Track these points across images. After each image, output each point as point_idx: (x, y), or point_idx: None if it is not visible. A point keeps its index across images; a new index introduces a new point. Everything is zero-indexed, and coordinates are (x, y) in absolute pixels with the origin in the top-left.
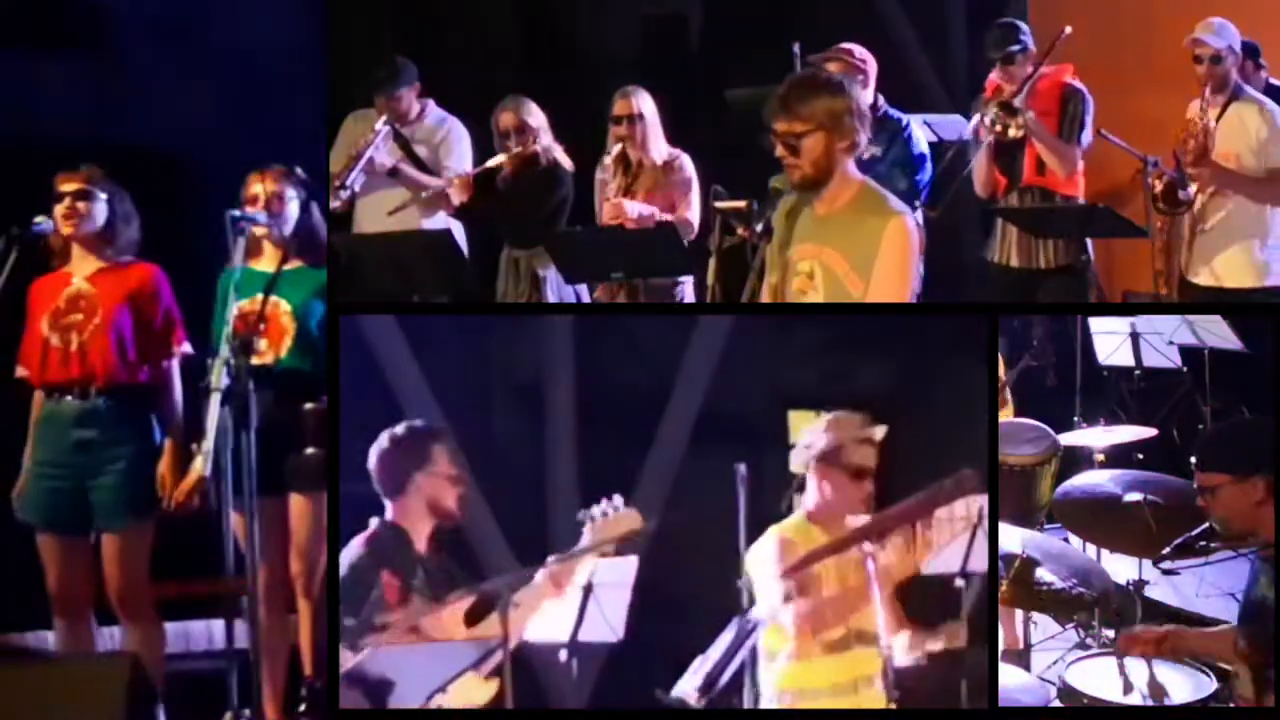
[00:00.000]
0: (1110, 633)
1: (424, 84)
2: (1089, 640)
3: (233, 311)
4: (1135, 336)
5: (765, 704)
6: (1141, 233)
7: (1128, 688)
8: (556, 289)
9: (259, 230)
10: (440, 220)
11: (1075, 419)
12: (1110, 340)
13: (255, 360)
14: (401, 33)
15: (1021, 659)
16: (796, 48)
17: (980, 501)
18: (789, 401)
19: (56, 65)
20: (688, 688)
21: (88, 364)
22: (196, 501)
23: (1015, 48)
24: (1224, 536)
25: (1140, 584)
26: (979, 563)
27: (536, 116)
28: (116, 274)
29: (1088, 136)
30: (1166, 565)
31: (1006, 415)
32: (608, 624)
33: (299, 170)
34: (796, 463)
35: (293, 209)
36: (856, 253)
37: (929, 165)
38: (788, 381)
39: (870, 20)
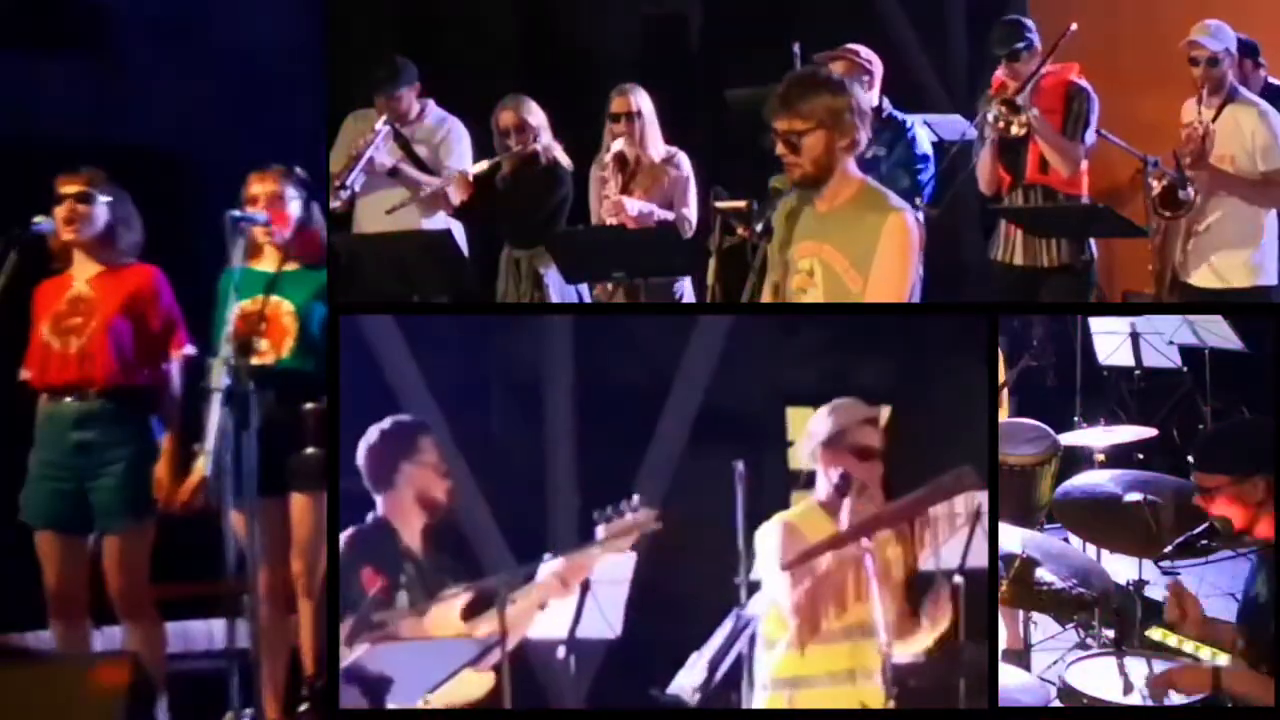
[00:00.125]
0: (1110, 632)
1: (424, 84)
2: (1089, 640)
3: (233, 312)
4: (1135, 336)
5: (762, 692)
6: (1141, 233)
7: (1128, 688)
8: (558, 289)
9: (259, 230)
10: (440, 220)
11: (1075, 419)
12: (1110, 340)
13: (255, 360)
14: (401, 33)
15: (1021, 659)
16: (796, 48)
17: (979, 497)
18: (788, 399)
19: (56, 65)
20: (685, 683)
21: (86, 367)
22: (200, 502)
23: (1020, 45)
24: (1224, 536)
25: (1140, 584)
26: (978, 559)
27: (536, 116)
28: (116, 277)
29: (1091, 136)
30: (1166, 565)
31: (1004, 415)
32: (606, 621)
33: (299, 170)
34: (803, 455)
35: (293, 209)
36: (856, 249)
37: (931, 165)
38: (787, 380)
39: (870, 20)
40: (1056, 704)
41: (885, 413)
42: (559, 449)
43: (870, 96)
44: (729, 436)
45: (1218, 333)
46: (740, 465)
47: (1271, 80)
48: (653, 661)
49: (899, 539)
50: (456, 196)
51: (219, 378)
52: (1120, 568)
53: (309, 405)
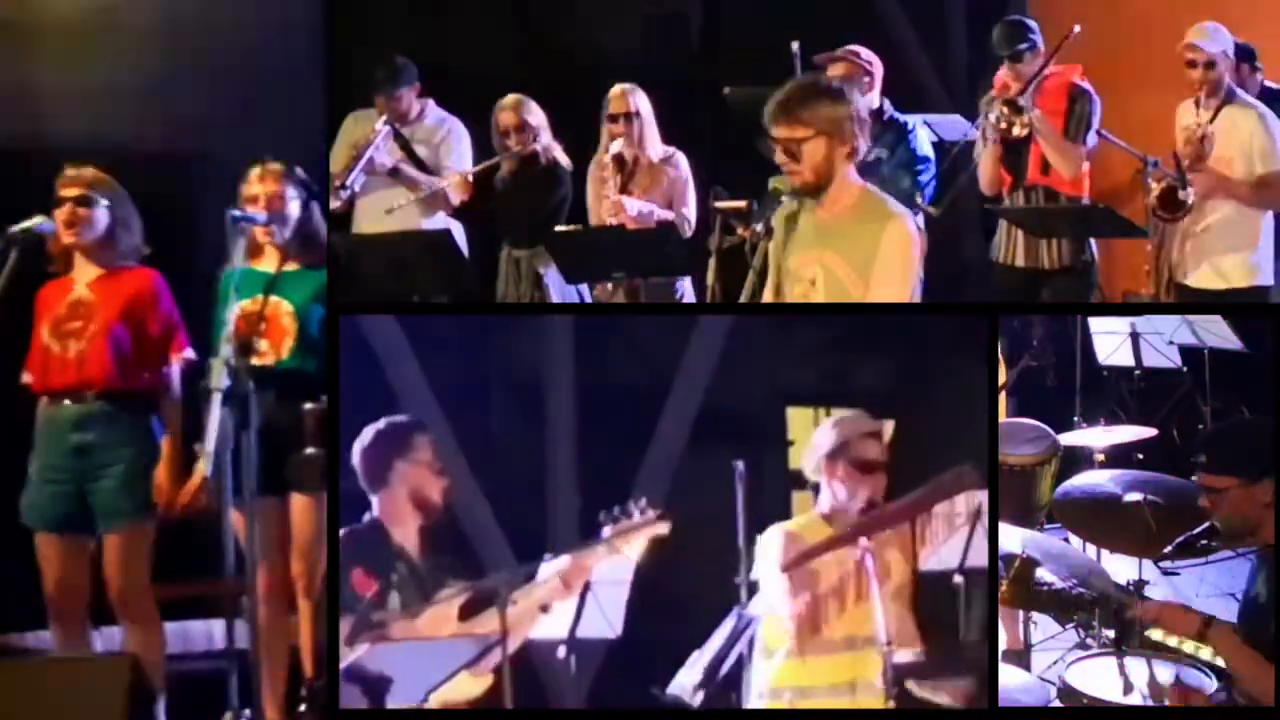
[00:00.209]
0: (1110, 632)
1: (424, 84)
2: (1089, 640)
3: (233, 312)
4: (1135, 336)
5: (763, 701)
6: (1142, 233)
7: (1128, 688)
8: (558, 289)
9: (259, 230)
10: (440, 220)
11: (1075, 419)
12: (1110, 340)
13: (255, 361)
14: (401, 33)
15: (1021, 659)
16: (796, 47)
17: (979, 497)
18: (788, 399)
19: (57, 64)
20: (685, 682)
21: (85, 370)
22: (200, 504)
23: (1023, 46)
24: (1225, 537)
25: (1140, 584)
26: (978, 558)
27: (536, 116)
28: (116, 280)
29: (1093, 137)
30: (1166, 565)
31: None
32: (606, 620)
33: (299, 170)
34: (807, 467)
35: (293, 209)
36: (858, 256)
37: (932, 166)
38: (787, 380)
39: (870, 20)
40: (1056, 704)
41: (889, 427)
42: (559, 448)
43: (870, 99)
44: (729, 436)
45: (1217, 333)
46: (740, 465)
47: (1268, 84)
48: (653, 661)
49: (899, 538)
50: (456, 196)
51: (219, 378)
52: (1120, 568)
53: (309, 405)
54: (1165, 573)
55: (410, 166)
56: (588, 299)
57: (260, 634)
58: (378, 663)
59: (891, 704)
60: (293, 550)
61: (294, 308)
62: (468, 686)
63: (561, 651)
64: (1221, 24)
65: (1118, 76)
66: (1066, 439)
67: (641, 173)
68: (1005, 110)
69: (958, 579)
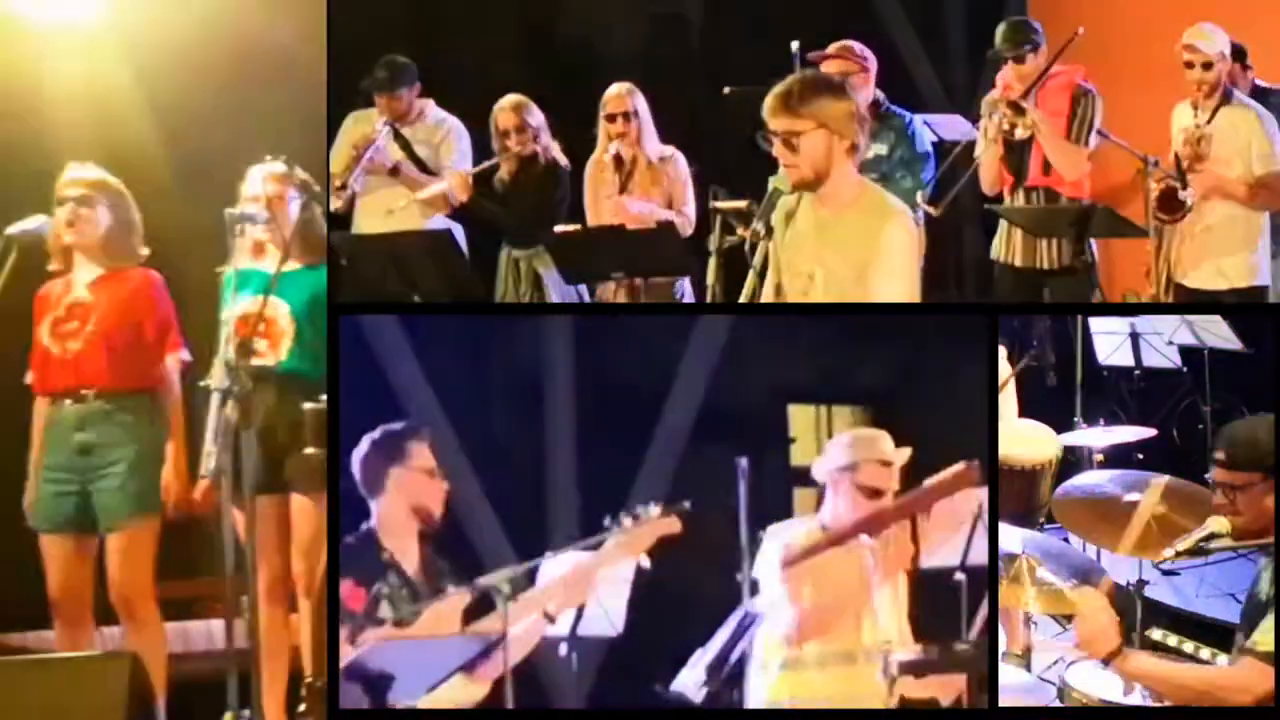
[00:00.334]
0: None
1: (424, 84)
2: None
3: (233, 312)
4: (1135, 336)
5: (764, 695)
6: (1142, 233)
7: (1128, 688)
8: (558, 289)
9: (259, 230)
10: (440, 220)
11: (1075, 419)
12: (1110, 340)
13: (255, 360)
14: (401, 33)
15: (1021, 659)
16: (796, 47)
17: (980, 495)
18: (789, 397)
19: (58, 63)
20: (688, 681)
21: (85, 370)
22: (209, 501)
23: (1026, 46)
24: (1232, 536)
25: (1140, 584)
26: (979, 556)
27: (536, 116)
28: (115, 281)
29: (1095, 138)
30: (1167, 565)
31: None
32: (608, 618)
33: (298, 170)
34: (817, 471)
35: (293, 209)
36: (857, 254)
37: (933, 162)
38: (789, 377)
39: (870, 20)
40: (1056, 704)
41: (904, 455)
42: (560, 448)
43: (867, 94)
44: (730, 434)
45: (1217, 333)
46: (743, 462)
47: (1259, 82)
48: (655, 659)
49: (900, 535)
50: (456, 197)
51: (219, 378)
52: (1120, 568)
53: (309, 405)
54: (1165, 573)
55: (410, 166)
56: (587, 299)
57: (261, 634)
58: (379, 661)
59: (892, 702)
60: (293, 550)
61: (294, 308)
62: (469, 692)
63: (563, 649)
64: (1216, 24)
65: (1117, 76)
66: (1066, 439)
67: (640, 172)
68: (1008, 112)
69: (959, 576)
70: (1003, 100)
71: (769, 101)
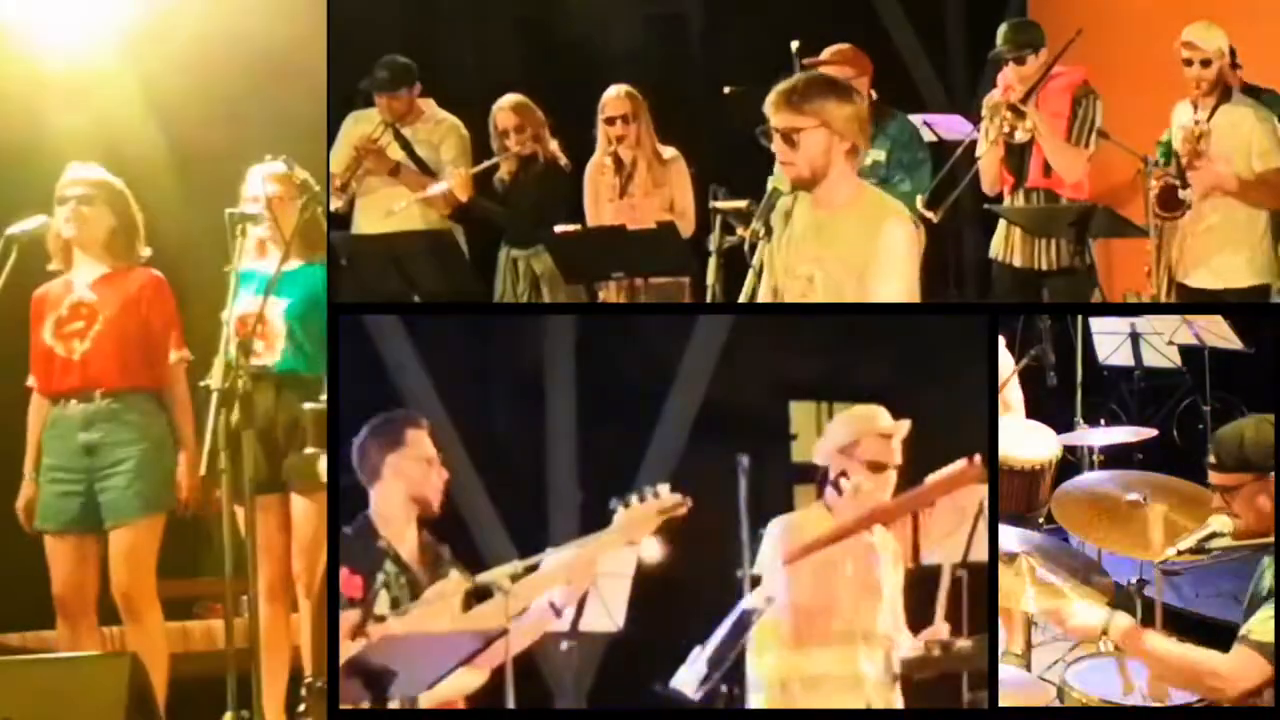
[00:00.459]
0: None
1: (424, 84)
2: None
3: (233, 311)
4: (1135, 336)
5: (764, 693)
6: (1142, 233)
7: (1128, 688)
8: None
9: (259, 230)
10: (440, 220)
11: (1075, 419)
12: (1110, 340)
13: (255, 360)
14: (401, 33)
15: (1021, 659)
16: (796, 47)
17: (980, 492)
18: (791, 394)
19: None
20: (687, 677)
21: (92, 370)
22: (208, 499)
23: (1028, 47)
24: (1234, 536)
25: (1140, 584)
26: (980, 553)
27: (536, 116)
28: (120, 281)
29: (1096, 139)
30: (1167, 565)
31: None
32: (608, 614)
33: (299, 170)
34: (817, 456)
35: (293, 208)
36: (856, 255)
37: (930, 165)
38: (790, 375)
39: (870, 20)
40: (1056, 704)
41: (904, 427)
42: (561, 444)
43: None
44: (731, 430)
45: (1217, 333)
46: (744, 459)
47: (1247, 83)
48: (655, 656)
49: (901, 532)
50: (456, 197)
51: (219, 377)
52: (1120, 568)
53: (308, 405)
54: (1166, 573)
55: (411, 166)
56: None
57: (261, 633)
58: (380, 657)
59: (893, 697)
60: (294, 549)
61: (293, 308)
62: (469, 679)
63: (563, 645)
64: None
65: (1117, 76)
66: (1066, 439)
67: (639, 174)
68: (1008, 115)
69: (960, 573)
70: (1003, 102)
71: (772, 96)
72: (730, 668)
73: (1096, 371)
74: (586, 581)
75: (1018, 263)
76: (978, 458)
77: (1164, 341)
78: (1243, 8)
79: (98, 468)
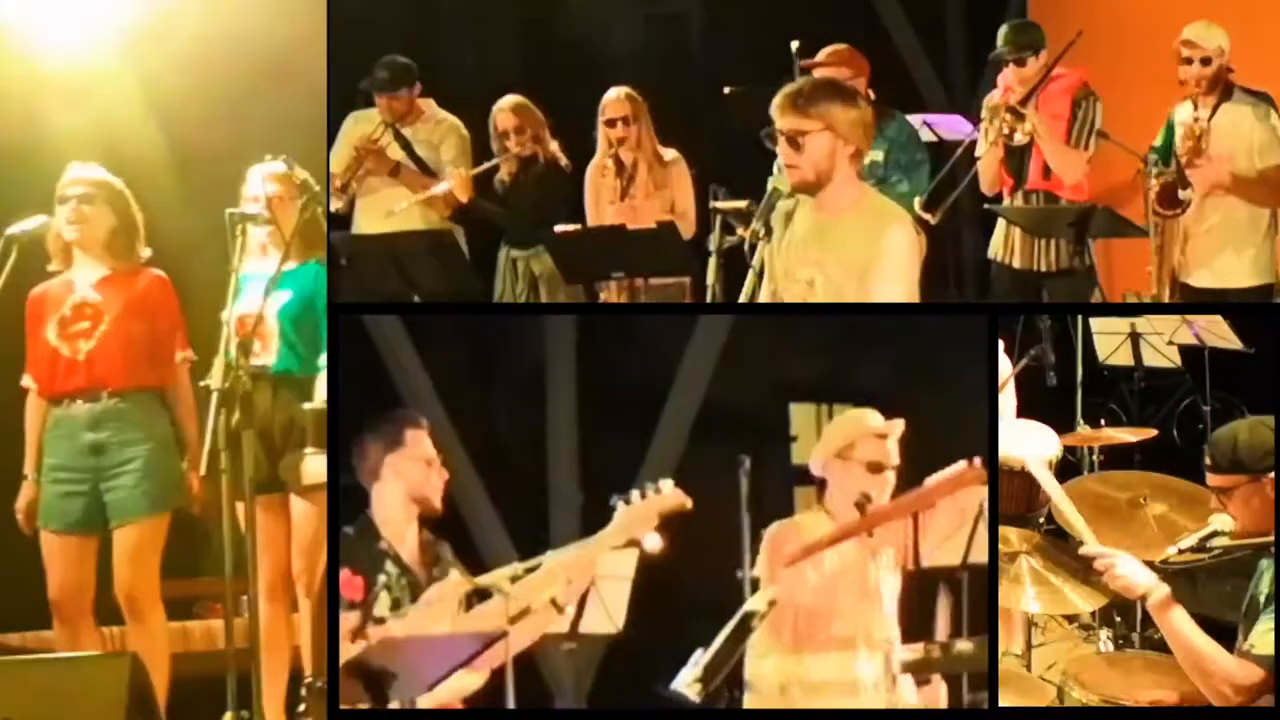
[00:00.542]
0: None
1: (424, 84)
2: (1089, 640)
3: (233, 311)
4: (1135, 336)
5: (764, 697)
6: (1142, 233)
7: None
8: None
9: (259, 230)
10: (440, 221)
11: (1075, 419)
12: (1110, 340)
13: (255, 360)
14: (401, 33)
15: (1022, 659)
16: (796, 48)
17: (980, 494)
18: (791, 395)
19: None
20: (687, 679)
21: (97, 370)
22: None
23: (1028, 49)
24: (1232, 536)
25: None
26: (980, 555)
27: (535, 117)
28: (124, 281)
29: (1096, 141)
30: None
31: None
32: (608, 615)
33: (299, 170)
34: (814, 462)
35: (293, 208)
36: (858, 260)
37: (928, 166)
38: (790, 376)
39: (870, 20)
40: (1056, 704)
41: (898, 427)
42: (561, 444)
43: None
44: (732, 432)
45: (1217, 333)
46: (746, 460)
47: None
48: (655, 658)
49: (901, 534)
50: (457, 197)
51: (219, 378)
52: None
53: (308, 405)
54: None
55: (411, 166)
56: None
57: (261, 633)
58: (380, 658)
59: (893, 700)
60: (294, 549)
61: (286, 308)
62: (469, 680)
63: (564, 646)
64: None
65: (1117, 76)
66: (1067, 439)
67: (640, 175)
68: (1007, 117)
69: (960, 575)
70: (1003, 105)
71: (778, 99)
72: (731, 670)
73: (1096, 371)
74: (588, 576)
75: (1017, 264)
76: (978, 460)
77: (1164, 341)
78: (1243, 9)
79: (104, 467)
